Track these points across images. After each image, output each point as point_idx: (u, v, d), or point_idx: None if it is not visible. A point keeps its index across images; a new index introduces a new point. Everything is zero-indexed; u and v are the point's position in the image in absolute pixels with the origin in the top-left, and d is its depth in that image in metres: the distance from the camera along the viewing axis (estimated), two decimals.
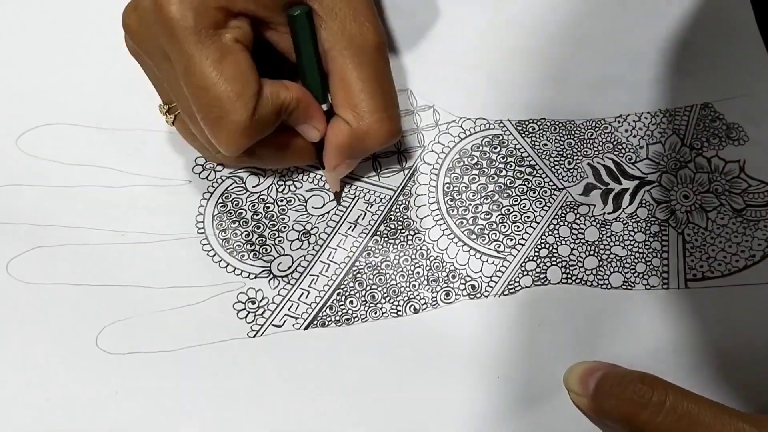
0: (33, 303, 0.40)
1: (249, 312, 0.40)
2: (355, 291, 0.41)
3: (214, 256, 0.41)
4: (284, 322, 0.40)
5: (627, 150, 0.44)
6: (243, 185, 0.43)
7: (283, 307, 0.41)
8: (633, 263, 0.42)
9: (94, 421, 0.38)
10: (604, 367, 0.38)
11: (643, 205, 0.43)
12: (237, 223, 0.42)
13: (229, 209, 0.42)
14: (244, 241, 0.42)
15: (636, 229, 0.42)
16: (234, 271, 0.41)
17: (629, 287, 0.41)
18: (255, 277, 0.41)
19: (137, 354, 0.39)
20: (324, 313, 0.41)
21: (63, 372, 0.39)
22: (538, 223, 0.42)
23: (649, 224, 0.43)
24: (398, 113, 0.39)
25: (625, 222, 0.43)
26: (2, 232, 0.41)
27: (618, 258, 0.42)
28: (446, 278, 0.41)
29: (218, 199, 0.43)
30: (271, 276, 0.41)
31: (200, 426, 0.38)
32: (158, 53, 0.36)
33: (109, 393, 0.39)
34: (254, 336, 0.40)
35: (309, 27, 0.37)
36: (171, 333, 0.40)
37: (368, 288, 0.41)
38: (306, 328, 0.40)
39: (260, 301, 0.41)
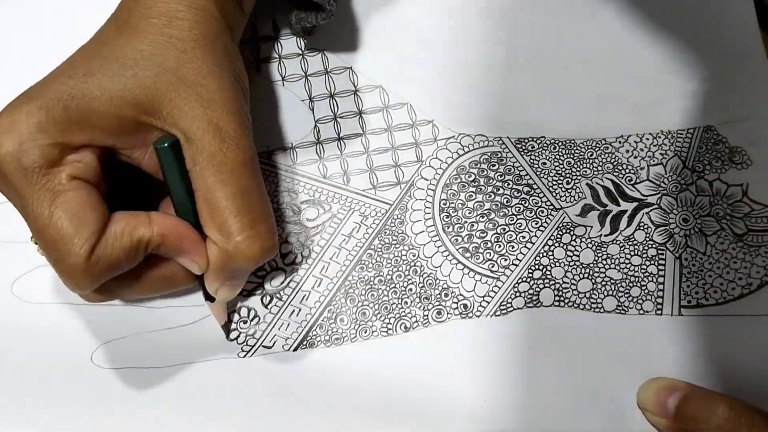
0: (36, 322, 0.40)
1: (240, 332, 0.41)
2: (347, 308, 0.41)
3: None
4: (274, 342, 0.40)
5: (627, 171, 0.43)
6: None
7: (273, 327, 0.41)
8: (628, 287, 0.41)
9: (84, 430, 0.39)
10: (684, 386, 0.38)
11: (641, 227, 0.42)
12: None
13: None
14: None
15: (633, 252, 0.42)
16: None
17: (622, 312, 0.41)
18: (248, 295, 0.41)
19: (129, 370, 0.40)
20: (314, 333, 0.41)
21: (58, 386, 0.39)
22: (533, 244, 0.42)
23: (646, 247, 0.42)
24: (271, 228, 0.36)
25: (621, 245, 0.42)
26: (7, 251, 0.42)
27: (613, 281, 0.42)
28: (439, 296, 0.41)
29: None
30: (264, 292, 0.41)
31: None
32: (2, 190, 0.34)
33: (100, 407, 0.39)
34: (244, 356, 0.40)
35: (175, 158, 0.35)
36: (163, 351, 0.40)
37: (359, 304, 0.41)
38: (295, 350, 0.40)
39: (252, 320, 0.41)
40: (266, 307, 0.41)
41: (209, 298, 0.38)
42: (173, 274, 0.37)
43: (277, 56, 0.45)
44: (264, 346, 0.40)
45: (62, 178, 0.33)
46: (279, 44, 0.45)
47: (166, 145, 0.35)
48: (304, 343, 0.40)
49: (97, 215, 0.33)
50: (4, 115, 0.33)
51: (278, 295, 0.41)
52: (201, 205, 0.35)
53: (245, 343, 0.40)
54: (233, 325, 0.41)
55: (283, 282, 0.41)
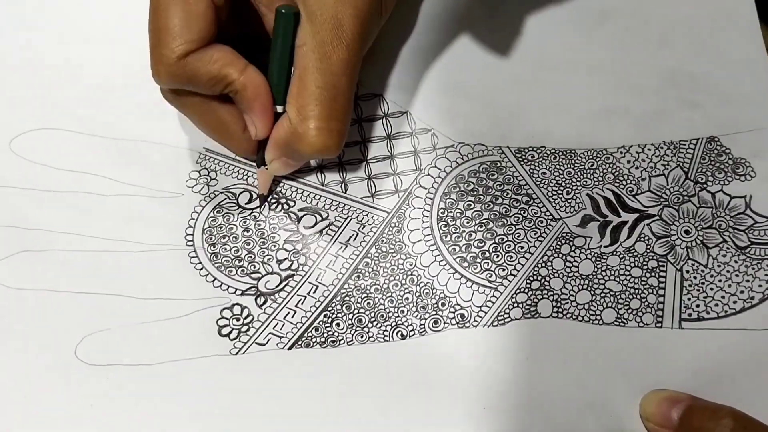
0: (14, 308, 0.40)
1: (233, 329, 0.40)
2: (343, 314, 0.41)
3: (201, 269, 0.41)
4: (268, 340, 0.40)
5: (628, 182, 0.43)
6: (235, 201, 0.43)
7: (267, 326, 0.40)
8: (627, 299, 0.41)
9: (65, 425, 0.38)
10: (687, 398, 0.37)
11: (642, 239, 0.42)
12: (227, 238, 0.42)
13: (220, 224, 0.42)
14: (232, 257, 0.41)
15: (633, 264, 0.41)
16: (221, 286, 0.41)
17: (622, 324, 0.41)
18: (242, 294, 0.41)
19: (116, 366, 0.39)
20: (309, 334, 0.40)
21: (39, 380, 0.39)
22: (532, 254, 0.42)
23: (647, 259, 0.42)
24: (342, 131, 0.38)
25: (621, 256, 0.42)
26: None
27: (612, 293, 0.41)
28: (435, 305, 0.41)
29: (209, 213, 0.42)
30: (258, 293, 0.41)
31: None
32: None
33: (84, 405, 0.38)
34: (237, 353, 0.40)
35: (292, 28, 0.37)
36: (152, 346, 0.40)
37: (356, 311, 0.41)
38: (290, 348, 0.40)
39: (245, 318, 0.40)
40: (260, 307, 0.41)
41: (262, 164, 0.41)
42: (230, 126, 0.40)
43: None
44: (257, 344, 0.40)
45: None
46: None
47: (288, 12, 0.37)
48: (300, 342, 0.40)
49: (205, 28, 0.36)
50: None
51: (273, 297, 0.41)
52: (294, 81, 0.37)
53: (238, 340, 0.40)
54: (225, 321, 0.40)
55: (278, 286, 0.41)
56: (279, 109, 0.39)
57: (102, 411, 0.38)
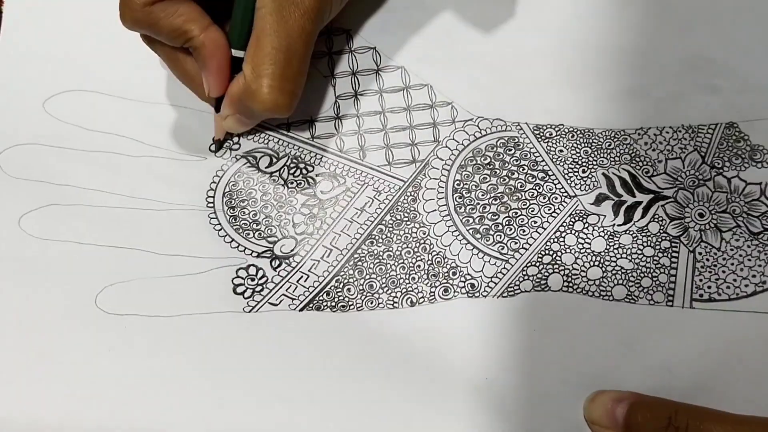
0: (40, 257, 0.42)
1: (247, 288, 0.41)
2: (354, 279, 0.41)
3: (220, 230, 0.42)
4: (281, 301, 0.41)
5: (645, 163, 0.43)
6: (256, 165, 0.44)
7: (281, 288, 0.41)
8: (639, 277, 0.41)
9: (84, 374, 0.39)
10: (630, 395, 0.37)
11: (656, 220, 0.42)
12: (246, 201, 0.43)
13: (240, 188, 0.43)
14: (250, 220, 0.42)
15: (645, 244, 0.42)
16: (238, 247, 0.42)
17: (632, 301, 0.41)
18: (257, 256, 0.42)
19: (133, 316, 0.40)
20: (321, 298, 0.41)
21: (60, 325, 0.40)
22: (545, 229, 0.42)
23: (659, 240, 0.42)
24: (293, 91, 0.39)
25: (634, 235, 0.42)
26: (19, 188, 0.43)
27: (624, 271, 0.41)
28: (446, 274, 0.41)
29: (231, 177, 0.43)
30: (273, 257, 0.42)
31: (185, 390, 0.39)
32: None
33: (102, 350, 0.40)
34: (249, 311, 0.41)
35: None
36: (168, 300, 0.41)
37: (367, 277, 0.41)
38: (301, 310, 0.41)
39: (259, 279, 0.41)
40: (275, 269, 0.41)
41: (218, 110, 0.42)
42: (195, 77, 0.41)
43: None
44: (270, 303, 0.41)
45: None
46: None
47: None
48: (311, 305, 0.41)
49: None
50: None
51: (287, 261, 0.42)
52: (252, 41, 0.39)
53: (251, 299, 0.41)
54: (240, 281, 0.41)
55: (293, 249, 0.42)
56: (239, 54, 0.40)
57: (119, 356, 0.40)
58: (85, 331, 0.40)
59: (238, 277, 0.41)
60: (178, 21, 0.38)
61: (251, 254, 0.42)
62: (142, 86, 0.46)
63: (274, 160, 0.44)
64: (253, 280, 0.41)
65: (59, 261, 0.41)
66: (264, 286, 0.41)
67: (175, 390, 0.39)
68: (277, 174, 0.43)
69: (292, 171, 0.43)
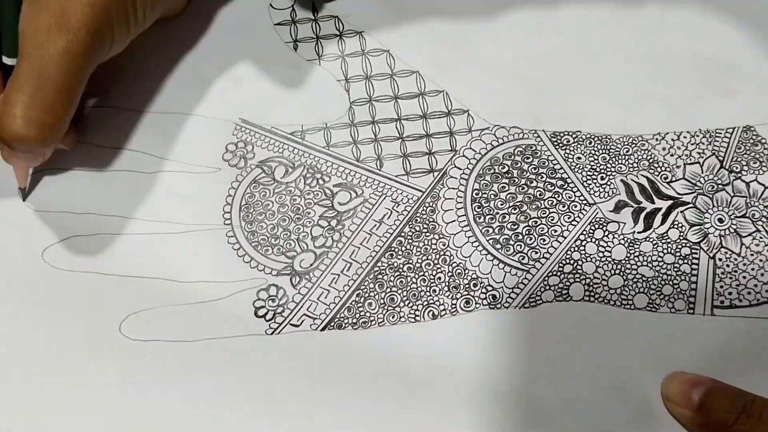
0: (64, 289, 0.41)
1: (268, 310, 0.41)
2: (375, 293, 0.41)
3: (239, 249, 0.42)
4: (302, 321, 0.41)
5: (663, 169, 0.43)
6: (272, 175, 0.43)
7: (302, 307, 0.41)
8: (660, 285, 0.41)
9: (112, 400, 0.39)
10: (708, 381, 0.38)
11: (676, 226, 0.42)
12: (263, 215, 0.42)
13: (257, 199, 0.43)
14: (269, 235, 0.42)
15: (666, 251, 0.42)
16: (257, 266, 0.41)
17: (654, 309, 0.41)
18: (277, 274, 0.41)
19: (158, 342, 0.40)
20: (342, 315, 0.41)
21: (86, 354, 0.40)
22: (565, 238, 0.42)
23: (680, 246, 0.42)
24: (44, 122, 0.36)
25: (655, 242, 0.42)
26: (42, 220, 0.42)
27: (645, 279, 0.41)
28: (467, 286, 0.41)
29: (246, 189, 0.43)
30: (293, 273, 0.41)
31: (210, 414, 0.39)
32: None
33: (128, 375, 0.39)
34: (272, 334, 0.40)
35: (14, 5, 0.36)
36: (192, 325, 0.40)
37: (388, 290, 0.41)
38: (323, 330, 0.40)
39: (280, 299, 0.41)
40: (295, 287, 0.41)
41: None
42: None
43: (314, 36, 0.45)
44: (292, 325, 0.40)
45: None
46: (317, 25, 0.45)
47: None
48: (332, 324, 0.40)
49: None
50: None
51: (307, 277, 0.41)
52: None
53: (273, 321, 0.40)
54: (261, 303, 0.41)
55: (312, 264, 0.41)
56: (11, 62, 0.37)
57: (145, 382, 0.39)
58: (110, 359, 0.40)
59: (258, 299, 0.41)
60: None
61: (271, 272, 0.41)
62: (146, 94, 0.45)
63: (290, 169, 0.43)
64: (273, 300, 0.41)
65: (83, 292, 0.41)
66: (285, 306, 0.41)
67: (200, 414, 0.39)
68: (293, 184, 0.43)
69: (308, 181, 0.43)
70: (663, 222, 0.42)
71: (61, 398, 0.39)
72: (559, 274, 0.41)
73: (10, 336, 0.40)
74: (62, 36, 0.35)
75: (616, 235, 0.42)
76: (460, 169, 0.43)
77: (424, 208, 0.43)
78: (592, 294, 0.41)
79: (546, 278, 0.41)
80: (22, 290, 0.41)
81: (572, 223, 0.42)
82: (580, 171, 0.43)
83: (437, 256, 0.42)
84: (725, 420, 0.36)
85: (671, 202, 0.42)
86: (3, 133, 0.35)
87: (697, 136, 0.44)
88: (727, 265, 0.41)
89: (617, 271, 0.41)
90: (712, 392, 0.37)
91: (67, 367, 0.40)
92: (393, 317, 0.41)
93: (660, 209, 0.42)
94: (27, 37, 0.35)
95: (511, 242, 0.42)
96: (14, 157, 0.38)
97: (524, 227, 0.42)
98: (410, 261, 0.42)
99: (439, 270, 0.41)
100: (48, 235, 0.42)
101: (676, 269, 0.41)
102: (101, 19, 0.36)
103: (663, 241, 0.42)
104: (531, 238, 0.42)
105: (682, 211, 0.42)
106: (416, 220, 0.42)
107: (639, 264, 0.41)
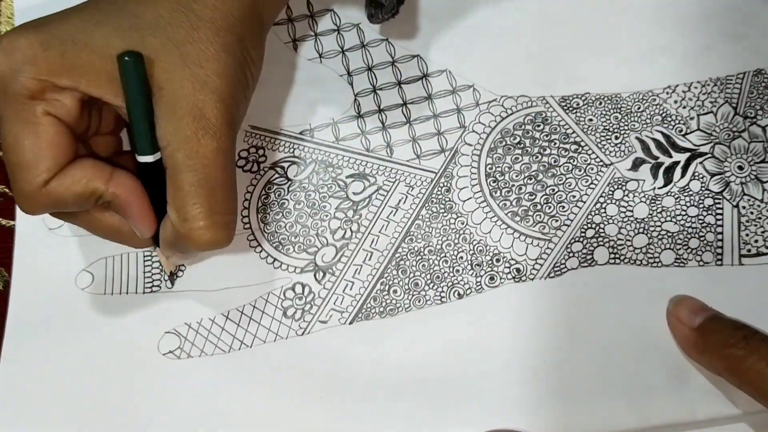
0: (99, 312, 0.42)
1: (296, 309, 0.41)
2: (399, 279, 0.41)
3: (261, 252, 0.42)
4: (330, 317, 0.41)
5: (677, 122, 0.42)
6: (285, 175, 0.43)
7: (328, 302, 0.41)
8: (686, 239, 0.41)
9: (159, 419, 0.40)
10: (713, 310, 0.38)
11: (696, 177, 0.41)
12: (281, 214, 0.42)
13: (273, 200, 0.43)
14: (288, 233, 0.42)
15: (689, 204, 0.41)
16: (281, 266, 0.42)
17: (681, 264, 0.40)
18: (301, 272, 0.41)
19: (196, 358, 0.41)
20: (368, 305, 0.41)
21: (130, 374, 0.41)
22: (584, 202, 0.41)
23: (702, 198, 0.41)
24: (227, 222, 0.36)
25: (677, 196, 0.41)
26: (71, 246, 0.43)
27: (669, 234, 0.41)
28: (490, 262, 0.41)
29: (261, 191, 0.43)
30: (316, 268, 0.41)
31: (253, 422, 0.40)
32: None
33: (170, 393, 0.40)
34: (302, 334, 0.41)
35: (140, 72, 0.34)
36: (226, 335, 0.41)
37: (411, 275, 0.41)
38: (351, 323, 0.41)
39: (307, 296, 0.41)
40: (320, 282, 0.41)
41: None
42: (121, 228, 0.38)
43: (313, 34, 0.44)
44: (320, 321, 0.41)
45: (38, 111, 0.34)
46: (314, 21, 0.45)
47: (131, 58, 0.34)
48: (360, 315, 0.41)
49: (60, 153, 0.34)
50: (10, 34, 0.34)
51: (331, 271, 0.41)
52: (168, 182, 0.35)
53: (302, 320, 0.41)
54: (288, 302, 0.41)
55: (334, 257, 0.41)
56: (148, 159, 0.36)
57: (187, 396, 0.40)
58: (153, 377, 0.40)
59: (286, 299, 0.41)
60: (79, 186, 0.35)
61: (294, 270, 0.41)
62: None
63: (302, 167, 0.43)
64: (300, 299, 0.41)
65: (118, 313, 0.42)
66: (312, 303, 0.41)
67: (244, 423, 0.40)
68: (306, 180, 0.43)
69: (321, 175, 0.43)
70: (683, 175, 0.42)
71: (109, 421, 0.40)
72: (581, 239, 0.41)
73: (53, 366, 0.41)
74: (211, 139, 0.35)
75: (636, 194, 0.41)
76: (471, 145, 0.43)
77: (439, 189, 0.42)
78: (617, 256, 0.40)
79: (569, 245, 0.41)
80: (57, 318, 0.41)
81: (590, 186, 0.42)
82: (593, 133, 0.42)
83: (457, 236, 0.42)
84: (722, 343, 0.36)
85: (689, 154, 0.42)
86: (196, 246, 0.35)
87: (708, 85, 0.43)
88: (751, 213, 0.41)
89: (641, 230, 0.41)
90: (716, 318, 0.37)
91: (113, 389, 0.40)
92: (419, 302, 0.41)
93: (678, 162, 0.42)
94: (177, 149, 0.34)
95: (530, 213, 0.42)
96: (182, 259, 0.41)
97: (542, 196, 0.42)
98: (430, 243, 0.41)
99: (460, 249, 0.41)
100: (78, 261, 0.42)
101: (700, 221, 0.41)
102: (232, 108, 0.36)
103: (685, 194, 0.41)
104: (550, 207, 0.42)
105: (701, 162, 0.42)
106: (432, 201, 0.42)
107: (663, 220, 0.41)
